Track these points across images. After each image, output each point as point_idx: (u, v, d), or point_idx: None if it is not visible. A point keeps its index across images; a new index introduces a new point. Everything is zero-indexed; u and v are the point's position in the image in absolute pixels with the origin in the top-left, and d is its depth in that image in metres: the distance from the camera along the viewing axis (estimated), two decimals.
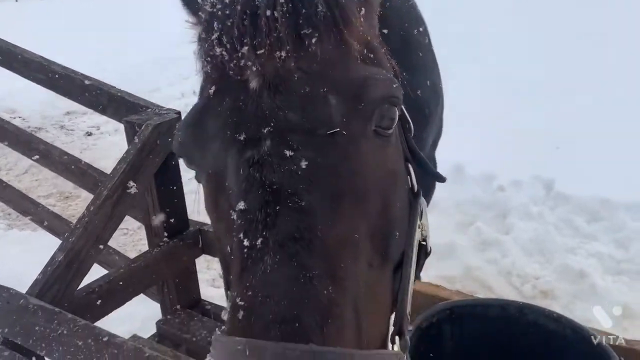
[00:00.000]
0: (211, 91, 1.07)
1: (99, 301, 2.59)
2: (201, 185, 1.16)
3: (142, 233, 4.49)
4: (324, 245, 0.94)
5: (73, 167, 3.41)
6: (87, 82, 3.09)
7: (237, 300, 0.92)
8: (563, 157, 5.66)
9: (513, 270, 4.50)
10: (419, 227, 1.23)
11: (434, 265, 4.30)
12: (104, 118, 4.27)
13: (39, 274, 2.33)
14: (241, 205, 0.98)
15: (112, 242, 2.90)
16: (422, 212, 1.26)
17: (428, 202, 2.20)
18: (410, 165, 1.23)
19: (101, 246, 2.54)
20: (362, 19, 1.10)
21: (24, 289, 2.27)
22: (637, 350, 1.86)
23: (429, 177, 1.36)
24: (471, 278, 4.42)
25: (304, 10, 1.01)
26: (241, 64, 1.01)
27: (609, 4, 9.39)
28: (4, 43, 3.59)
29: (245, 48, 1.00)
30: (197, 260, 3.25)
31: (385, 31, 1.45)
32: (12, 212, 5.17)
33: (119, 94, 3.00)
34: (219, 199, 1.07)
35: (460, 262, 4.55)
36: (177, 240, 3.01)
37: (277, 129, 0.99)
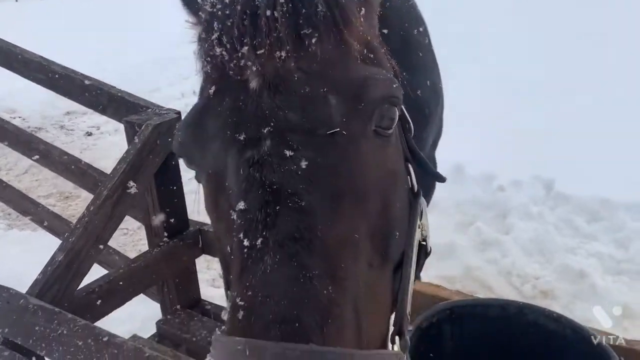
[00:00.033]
0: (211, 91, 1.07)
1: (99, 301, 2.59)
2: (201, 185, 1.16)
3: (142, 233, 4.49)
4: (324, 245, 0.94)
5: (73, 167, 3.41)
6: (87, 82, 3.09)
7: (237, 300, 0.92)
8: (563, 157, 5.65)
9: (513, 270, 4.50)
10: (419, 227, 1.23)
11: (434, 265, 4.30)
12: (104, 118, 4.27)
13: (39, 274, 2.33)
14: (241, 205, 0.98)
15: (112, 242, 2.90)
16: (422, 212, 1.26)
17: (428, 202, 2.20)
18: (410, 165, 1.23)
19: (101, 246, 2.54)
20: (362, 19, 1.10)
21: (24, 289, 2.27)
22: (637, 350, 1.86)
23: (429, 177, 1.37)
24: (471, 278, 4.42)
25: (304, 10, 1.01)
26: (241, 64, 1.01)
27: (609, 3, 9.39)
28: (3, 43, 3.59)
29: (245, 48, 1.00)
30: (197, 260, 3.26)
31: (385, 31, 1.45)
32: (12, 212, 5.17)
33: (119, 94, 3.00)
34: (219, 199, 1.07)
35: (460, 262, 4.55)
36: (177, 240, 3.01)
37: (277, 129, 0.99)
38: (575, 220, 5.01)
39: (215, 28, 1.04)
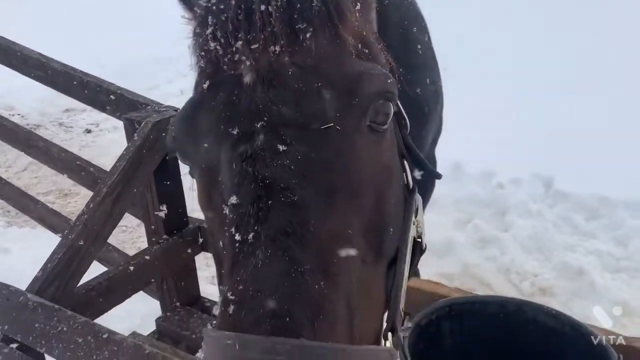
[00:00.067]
0: (205, 86, 1.07)
1: (99, 298, 2.59)
2: (195, 180, 1.16)
3: (141, 230, 4.49)
4: (316, 240, 0.94)
5: (72, 164, 3.41)
6: (86, 79, 3.09)
7: (228, 294, 0.92)
8: (562, 154, 5.65)
9: (512, 267, 4.50)
10: (413, 224, 1.23)
11: (433, 263, 4.31)
12: (103, 115, 4.27)
13: (39, 271, 2.33)
14: (233, 199, 0.98)
15: (111, 240, 2.91)
16: (417, 208, 1.25)
17: (428, 199, 2.20)
18: (405, 162, 1.23)
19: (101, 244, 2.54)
20: (357, 14, 1.10)
21: (23, 286, 2.27)
22: (636, 347, 1.86)
23: (426, 174, 1.36)
24: (470, 275, 4.43)
25: (298, 5, 1.01)
26: (235, 59, 1.02)
27: (610, 3, 9.39)
28: (3, 40, 3.58)
29: (240, 43, 1.01)
30: (196, 258, 3.26)
31: (384, 28, 1.45)
32: (12, 209, 5.17)
33: (118, 91, 3.00)
34: (212, 194, 1.07)
35: (458, 259, 4.56)
36: (177, 237, 3.01)
37: (270, 124, 0.99)
38: (574, 217, 5.01)
39: (210, 23, 1.04)
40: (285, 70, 1.00)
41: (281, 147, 0.97)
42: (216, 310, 0.97)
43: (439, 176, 1.49)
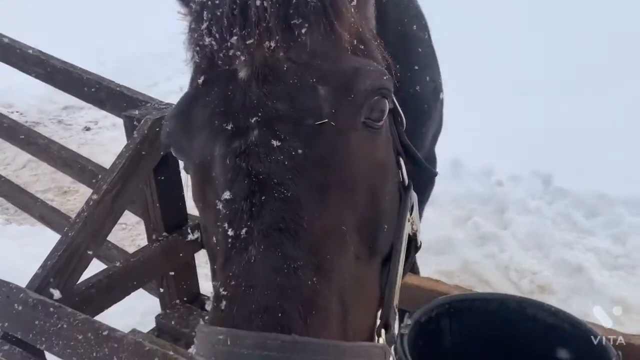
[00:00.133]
0: (200, 81, 1.07)
1: (98, 296, 2.59)
2: (189, 176, 1.16)
3: (141, 228, 4.49)
4: (310, 236, 0.94)
5: (72, 162, 3.41)
6: (86, 76, 3.08)
7: (221, 290, 0.92)
8: (561, 152, 5.66)
9: (511, 264, 4.51)
10: (408, 221, 1.22)
11: (432, 260, 4.32)
12: (102, 113, 4.26)
13: (39, 268, 2.33)
14: (227, 194, 0.98)
15: (110, 237, 2.90)
16: (412, 206, 1.25)
17: (428, 196, 2.20)
18: (401, 159, 1.22)
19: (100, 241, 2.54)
20: (353, 10, 1.09)
21: (22, 284, 2.27)
22: (634, 345, 1.87)
23: (422, 171, 1.36)
24: (469, 273, 4.44)
25: (294, 1, 1.01)
26: (230, 54, 1.02)
27: (610, 3, 9.39)
28: (2, 38, 3.58)
29: (235, 38, 1.00)
30: (196, 255, 3.26)
31: (383, 25, 1.44)
32: (11, 206, 5.17)
33: (117, 89, 2.99)
34: (205, 189, 1.07)
35: (457, 256, 4.57)
36: (177, 234, 3.01)
37: (264, 119, 0.98)
38: (573, 215, 5.03)
39: (205, 18, 1.04)
40: (280, 65, 1.00)
41: (275, 143, 0.97)
42: (209, 306, 0.97)
43: (434, 173, 1.49)
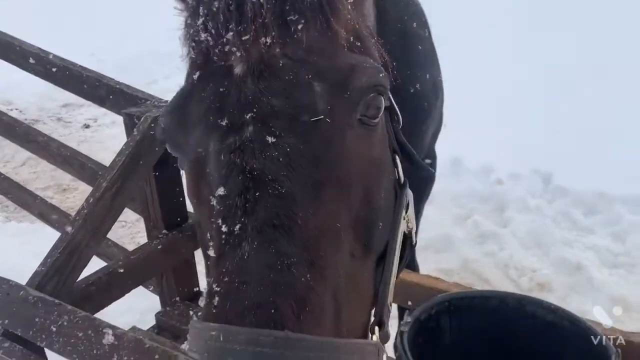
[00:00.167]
0: (195, 77, 1.07)
1: (98, 293, 2.59)
2: (184, 172, 1.16)
3: (140, 226, 4.48)
4: (303, 232, 0.94)
5: (72, 159, 3.41)
6: (85, 74, 3.08)
7: (214, 286, 0.92)
8: (561, 150, 5.67)
9: (510, 263, 4.52)
10: (404, 219, 1.22)
11: (432, 258, 4.32)
12: (102, 110, 4.25)
13: (39, 266, 2.33)
14: (221, 190, 0.97)
15: (110, 235, 2.91)
16: (408, 203, 1.24)
17: (428, 194, 2.19)
18: (397, 157, 1.22)
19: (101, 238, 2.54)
20: (350, 7, 1.09)
21: (22, 281, 2.27)
22: (634, 343, 1.87)
23: (418, 169, 1.35)
24: (468, 271, 4.44)
25: None
26: (226, 50, 1.01)
27: (610, 3, 9.39)
28: (2, 35, 3.57)
29: (230, 34, 1.00)
30: (196, 253, 3.26)
31: (382, 23, 1.44)
32: (10, 204, 5.17)
33: (117, 86, 2.99)
34: (200, 185, 1.07)
35: (457, 255, 4.57)
36: (176, 232, 3.01)
37: (260, 115, 0.98)
38: (573, 213, 5.03)
39: (201, 13, 1.04)
40: (276, 61, 1.00)
41: (270, 139, 0.97)
42: (202, 302, 0.97)
43: (430, 172, 1.48)
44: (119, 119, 2.94)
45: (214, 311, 0.90)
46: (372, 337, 1.08)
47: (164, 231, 2.99)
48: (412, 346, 1.59)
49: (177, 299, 3.20)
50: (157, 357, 1.79)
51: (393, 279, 1.16)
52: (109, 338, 1.88)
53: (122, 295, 2.79)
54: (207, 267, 1.08)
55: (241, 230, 0.93)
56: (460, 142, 4.91)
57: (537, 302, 1.79)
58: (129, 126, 2.80)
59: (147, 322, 3.25)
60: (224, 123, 1.00)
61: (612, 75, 7.31)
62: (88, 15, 11.51)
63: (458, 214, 5.19)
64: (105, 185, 2.49)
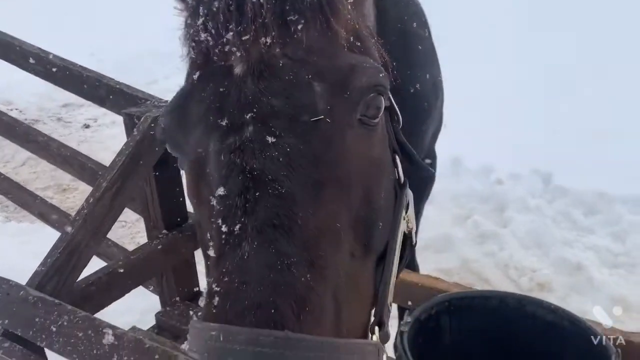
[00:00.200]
0: (195, 77, 1.07)
1: (98, 293, 2.59)
2: (184, 172, 1.16)
3: (140, 226, 4.48)
4: (303, 232, 0.94)
5: (71, 159, 3.41)
6: (85, 74, 3.08)
7: (214, 286, 0.92)
8: (561, 151, 5.67)
9: (510, 263, 4.52)
10: (404, 219, 1.22)
11: (432, 258, 4.32)
12: (102, 110, 4.25)
13: (39, 266, 2.33)
14: (221, 190, 0.97)
15: (110, 235, 2.91)
16: (408, 203, 1.24)
17: (428, 194, 2.19)
18: (397, 157, 1.22)
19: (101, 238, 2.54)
20: (350, 7, 1.09)
21: (21, 281, 2.27)
22: (634, 343, 1.87)
23: (418, 169, 1.35)
24: (468, 271, 4.44)
25: None
26: (226, 50, 1.01)
27: (610, 3, 9.39)
28: (1, 35, 3.57)
29: (230, 34, 1.00)
30: (196, 253, 3.26)
31: (382, 23, 1.44)
32: (10, 204, 5.16)
33: (117, 86, 2.99)
34: (200, 185, 1.07)
35: (457, 255, 4.57)
36: (176, 232, 3.01)
37: (260, 115, 0.98)
38: (573, 213, 5.03)
39: (201, 13, 1.04)
40: (276, 61, 1.00)
41: (270, 139, 0.97)
42: (202, 302, 0.97)
43: (430, 172, 1.48)
44: (119, 119, 2.94)
45: (214, 311, 0.90)
46: (372, 337, 1.08)
47: (164, 231, 2.99)
48: (412, 346, 1.59)
49: (177, 299, 3.20)
50: (157, 357, 1.79)
51: (393, 279, 1.16)
52: (109, 338, 1.88)
53: (122, 295, 2.79)
54: (207, 267, 1.08)
55: (241, 230, 0.93)
56: (460, 142, 4.91)
57: (537, 302, 1.79)
58: (129, 126, 2.80)
59: (147, 322, 3.25)
60: (224, 123, 1.00)
61: (612, 75, 7.31)
62: (88, 15, 11.50)
63: (458, 214, 5.19)
64: (105, 185, 2.49)
